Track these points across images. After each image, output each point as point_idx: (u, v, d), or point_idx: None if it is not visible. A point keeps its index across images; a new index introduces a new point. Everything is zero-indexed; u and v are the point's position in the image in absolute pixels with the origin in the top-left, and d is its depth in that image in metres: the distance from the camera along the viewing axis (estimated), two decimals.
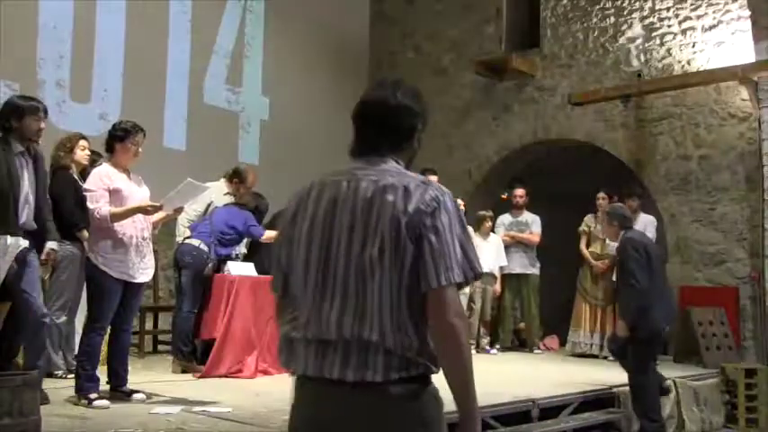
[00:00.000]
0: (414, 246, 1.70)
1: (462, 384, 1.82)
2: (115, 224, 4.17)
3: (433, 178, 7.49)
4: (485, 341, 8.21)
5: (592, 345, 7.97)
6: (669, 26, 8.58)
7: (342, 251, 1.75)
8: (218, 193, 6.31)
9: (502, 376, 5.89)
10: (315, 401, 1.82)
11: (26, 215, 4.06)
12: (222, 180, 6.55)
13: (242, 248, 6.54)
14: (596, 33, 9.21)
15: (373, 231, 1.72)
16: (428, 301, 1.72)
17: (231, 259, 6.05)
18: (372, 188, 1.76)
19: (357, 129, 1.94)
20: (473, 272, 1.77)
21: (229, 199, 6.47)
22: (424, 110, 1.96)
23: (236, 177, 6.42)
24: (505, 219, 8.70)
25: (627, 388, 5.57)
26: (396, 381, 1.71)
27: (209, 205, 6.30)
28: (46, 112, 4.19)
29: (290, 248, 1.84)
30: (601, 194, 8.15)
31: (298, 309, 1.81)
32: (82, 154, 5.32)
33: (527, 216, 8.65)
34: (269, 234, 5.89)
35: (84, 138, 5.42)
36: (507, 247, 8.43)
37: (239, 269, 5.68)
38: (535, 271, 8.56)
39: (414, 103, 1.94)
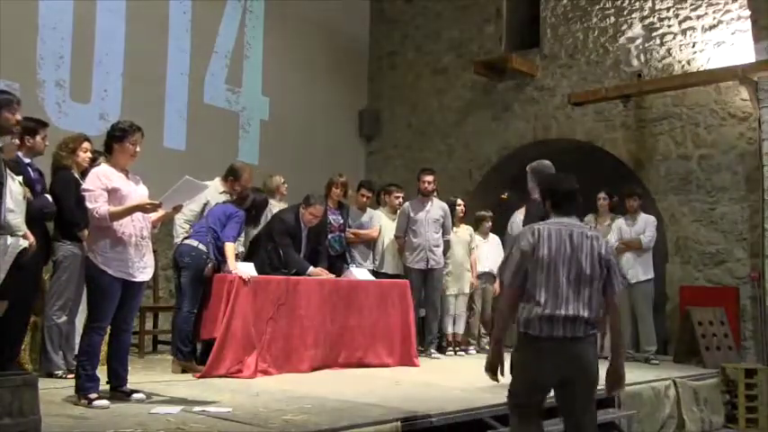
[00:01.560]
0: (605, 270, 3.44)
1: (617, 335, 3.55)
2: (114, 223, 4.17)
3: (430, 178, 7.49)
4: (485, 341, 8.21)
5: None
6: (669, 26, 8.59)
7: (566, 268, 3.39)
8: (213, 192, 6.29)
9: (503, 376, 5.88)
10: (545, 349, 3.37)
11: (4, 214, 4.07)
12: (217, 179, 6.53)
13: (240, 248, 6.54)
14: (596, 33, 9.21)
15: (585, 259, 3.41)
16: (608, 297, 3.47)
17: None
18: (580, 236, 3.45)
19: (559, 200, 3.59)
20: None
21: (225, 197, 6.46)
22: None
23: (230, 175, 6.40)
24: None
25: (627, 388, 5.57)
26: (587, 335, 3.39)
27: (205, 205, 6.30)
28: (19, 102, 4.17)
29: (535, 265, 3.40)
30: (602, 195, 8.14)
31: (538, 298, 3.38)
32: (84, 156, 5.30)
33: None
34: (232, 246, 5.69)
35: (87, 140, 5.40)
36: None
37: (239, 269, 5.67)
38: None
39: (576, 184, 3.66)
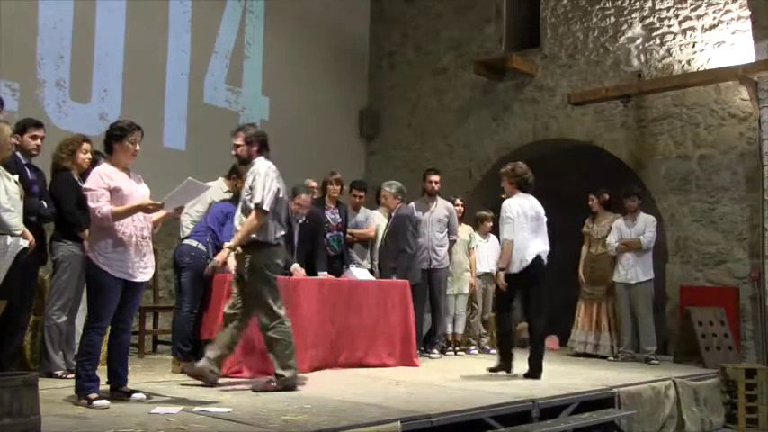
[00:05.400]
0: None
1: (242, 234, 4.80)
2: (115, 223, 4.17)
3: (436, 177, 7.54)
4: (485, 341, 8.21)
5: (586, 344, 7.95)
6: (669, 26, 8.59)
7: (283, 201, 5.03)
8: (218, 192, 6.30)
9: (502, 376, 5.89)
10: (280, 251, 5.01)
11: None
12: (221, 179, 6.55)
13: None
14: (596, 33, 9.21)
15: (283, 191, 5.05)
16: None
17: None
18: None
19: (267, 145, 5.02)
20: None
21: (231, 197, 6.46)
22: None
23: (233, 174, 6.43)
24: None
25: (627, 388, 5.59)
26: None
27: (210, 205, 6.29)
28: None
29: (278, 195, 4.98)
30: (591, 196, 8.12)
31: (281, 220, 4.88)
32: (84, 157, 5.30)
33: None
34: (230, 246, 5.66)
35: (87, 140, 5.40)
36: None
37: None
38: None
39: None
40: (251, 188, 4.81)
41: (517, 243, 5.77)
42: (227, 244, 4.79)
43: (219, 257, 4.97)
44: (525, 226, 5.83)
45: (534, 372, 5.78)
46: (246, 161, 4.96)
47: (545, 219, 6.06)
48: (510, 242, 5.78)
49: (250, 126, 5.11)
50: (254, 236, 4.79)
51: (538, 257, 5.84)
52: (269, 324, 4.84)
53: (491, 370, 6.04)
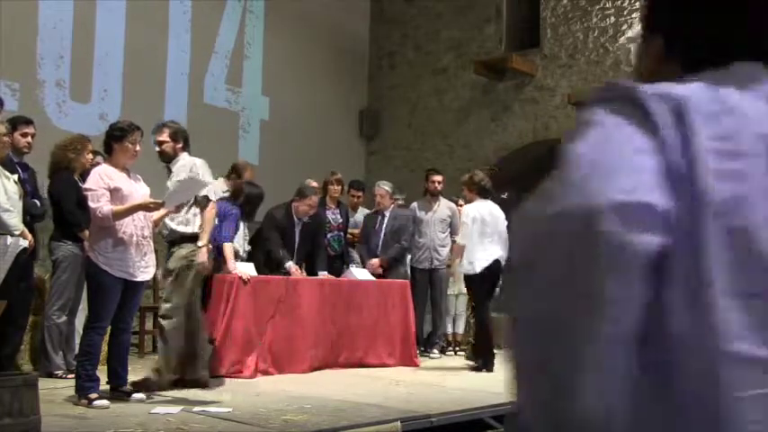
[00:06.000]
0: None
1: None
2: (115, 223, 4.18)
3: (439, 178, 7.54)
4: None
5: None
6: None
7: None
8: (218, 192, 6.29)
9: (502, 376, 5.88)
10: None
11: None
12: (221, 179, 6.55)
13: (246, 246, 6.54)
14: (596, 33, 9.21)
15: None
16: None
17: None
18: None
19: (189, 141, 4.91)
20: None
21: None
22: None
23: (233, 173, 6.45)
24: None
25: None
26: None
27: None
28: None
29: None
30: None
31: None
32: (88, 157, 5.34)
33: None
34: (230, 246, 5.70)
35: (89, 141, 5.43)
36: None
37: (239, 269, 5.67)
38: None
39: None
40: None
41: (474, 246, 6.07)
42: (200, 243, 4.65)
43: (204, 258, 4.69)
44: (484, 230, 6.12)
45: (485, 363, 6.02)
46: (172, 157, 4.85)
47: (505, 222, 6.25)
48: (461, 246, 6.15)
49: (172, 123, 5.05)
50: (194, 230, 4.72)
51: (497, 261, 6.05)
52: (200, 320, 4.87)
53: (473, 369, 6.19)
